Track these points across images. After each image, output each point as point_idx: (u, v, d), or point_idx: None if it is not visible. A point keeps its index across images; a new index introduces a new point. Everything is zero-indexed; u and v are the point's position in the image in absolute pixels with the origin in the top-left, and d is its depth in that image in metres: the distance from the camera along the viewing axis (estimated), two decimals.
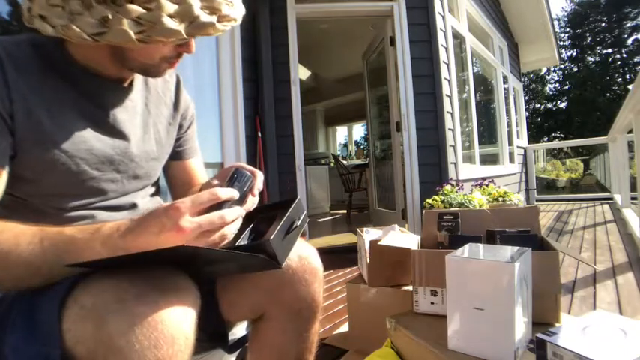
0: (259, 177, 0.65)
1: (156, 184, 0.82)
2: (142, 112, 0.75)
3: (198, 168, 0.91)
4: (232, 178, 0.61)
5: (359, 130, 18.43)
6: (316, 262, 0.74)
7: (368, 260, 1.23)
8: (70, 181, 0.64)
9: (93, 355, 0.43)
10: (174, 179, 0.89)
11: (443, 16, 3.47)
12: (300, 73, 4.10)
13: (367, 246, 1.26)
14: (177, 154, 0.87)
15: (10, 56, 0.59)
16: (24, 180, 0.61)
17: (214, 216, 0.51)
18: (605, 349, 0.60)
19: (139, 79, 0.75)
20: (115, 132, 0.69)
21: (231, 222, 0.53)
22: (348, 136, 11.13)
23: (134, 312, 0.43)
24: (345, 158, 9.53)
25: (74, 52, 0.65)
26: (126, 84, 0.72)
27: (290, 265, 0.70)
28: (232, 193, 0.55)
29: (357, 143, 15.82)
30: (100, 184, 0.67)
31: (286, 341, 0.73)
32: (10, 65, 0.58)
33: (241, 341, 0.76)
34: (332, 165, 7.03)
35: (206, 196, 0.51)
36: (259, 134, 2.89)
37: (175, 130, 0.83)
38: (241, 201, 0.58)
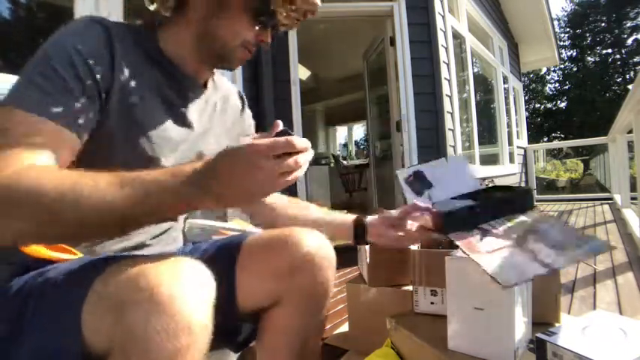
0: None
1: None
2: (210, 111, 0.80)
3: None
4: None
5: (359, 130, 18.44)
6: (332, 251, 0.76)
7: (368, 260, 1.23)
8: (140, 165, 0.65)
9: (111, 344, 0.44)
10: None
11: (443, 16, 3.47)
12: (300, 73, 4.10)
13: (367, 246, 1.26)
14: None
15: (117, 35, 0.62)
16: (95, 154, 0.61)
17: (291, 160, 0.50)
18: (605, 349, 0.60)
19: (211, 83, 0.81)
20: (188, 125, 0.73)
21: (301, 150, 0.52)
22: (348, 136, 11.15)
23: (152, 301, 0.43)
24: (345, 158, 9.53)
25: (163, 43, 0.70)
26: (202, 82, 0.77)
27: (308, 250, 0.71)
28: (306, 144, 0.53)
29: (357, 143, 15.84)
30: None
31: (301, 325, 0.73)
32: (117, 43, 0.61)
33: (247, 341, 0.76)
34: (332, 165, 7.03)
35: (282, 142, 0.51)
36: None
37: (235, 135, 0.88)
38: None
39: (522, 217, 0.72)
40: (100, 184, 0.48)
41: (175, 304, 0.44)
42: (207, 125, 0.79)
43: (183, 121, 0.72)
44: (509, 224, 0.70)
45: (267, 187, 0.51)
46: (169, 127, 0.69)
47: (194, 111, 0.75)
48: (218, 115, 0.83)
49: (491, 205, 0.73)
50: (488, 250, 0.64)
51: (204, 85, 0.79)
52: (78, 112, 0.56)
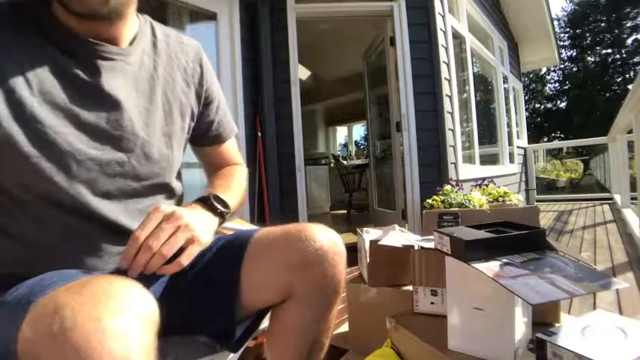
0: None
1: (171, 189, 0.74)
2: (149, 76, 0.67)
3: (231, 149, 0.88)
4: None
5: (359, 130, 18.43)
6: (343, 247, 0.75)
7: (368, 260, 1.23)
8: (64, 163, 0.56)
9: None
10: (209, 164, 0.87)
11: (443, 16, 3.46)
12: (300, 73, 4.09)
13: (367, 246, 1.26)
14: (212, 139, 0.83)
15: None
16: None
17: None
18: (605, 349, 0.60)
19: (143, 40, 0.68)
20: (108, 101, 0.60)
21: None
22: (348, 136, 11.13)
23: (66, 347, 0.38)
24: (345, 158, 9.52)
25: (55, 9, 0.58)
26: (123, 45, 0.64)
27: (322, 245, 0.70)
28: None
29: (357, 143, 15.83)
30: (102, 167, 0.60)
31: (310, 321, 0.73)
32: None
33: (242, 339, 0.75)
34: (332, 165, 7.02)
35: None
36: (259, 134, 2.89)
37: (192, 100, 0.75)
38: None
39: (536, 255, 0.75)
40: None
41: (94, 349, 0.38)
42: (148, 95, 0.66)
43: (99, 99, 0.60)
44: (524, 259, 0.72)
45: None
46: (78, 110, 0.57)
47: (117, 83, 0.62)
48: (162, 75, 0.69)
49: (508, 240, 0.76)
50: (511, 276, 0.65)
51: (130, 46, 0.65)
52: None
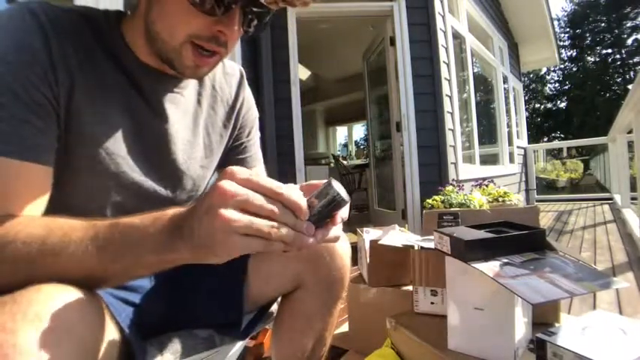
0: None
1: None
2: (194, 110, 0.66)
3: None
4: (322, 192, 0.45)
5: (359, 130, 18.43)
6: (349, 244, 0.77)
7: (368, 260, 1.23)
8: (105, 184, 0.56)
9: None
10: None
11: (443, 16, 3.47)
12: (300, 73, 4.09)
13: (367, 246, 1.26)
14: (238, 163, 0.77)
15: (56, 25, 0.50)
16: (57, 185, 0.51)
17: (261, 222, 0.38)
18: (605, 349, 0.60)
19: None
20: (161, 133, 0.61)
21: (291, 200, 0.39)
22: (348, 136, 11.14)
23: None
24: (345, 158, 9.53)
25: (127, 36, 0.57)
26: (180, 78, 0.64)
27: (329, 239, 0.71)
28: (296, 203, 0.40)
29: (357, 143, 15.84)
30: (140, 192, 0.59)
31: (318, 312, 0.74)
32: (55, 36, 0.49)
33: (249, 328, 0.74)
34: (332, 165, 7.02)
35: (257, 184, 0.38)
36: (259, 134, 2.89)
37: (229, 133, 0.74)
38: (318, 220, 0.45)
39: (536, 255, 0.75)
40: (72, 239, 0.41)
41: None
42: (192, 129, 0.66)
43: (153, 129, 0.60)
44: (524, 259, 0.73)
45: (219, 246, 0.37)
46: (132, 134, 0.57)
47: (171, 116, 0.62)
48: (205, 109, 0.69)
49: (508, 240, 0.76)
50: (510, 276, 0.65)
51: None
52: (34, 139, 0.47)
